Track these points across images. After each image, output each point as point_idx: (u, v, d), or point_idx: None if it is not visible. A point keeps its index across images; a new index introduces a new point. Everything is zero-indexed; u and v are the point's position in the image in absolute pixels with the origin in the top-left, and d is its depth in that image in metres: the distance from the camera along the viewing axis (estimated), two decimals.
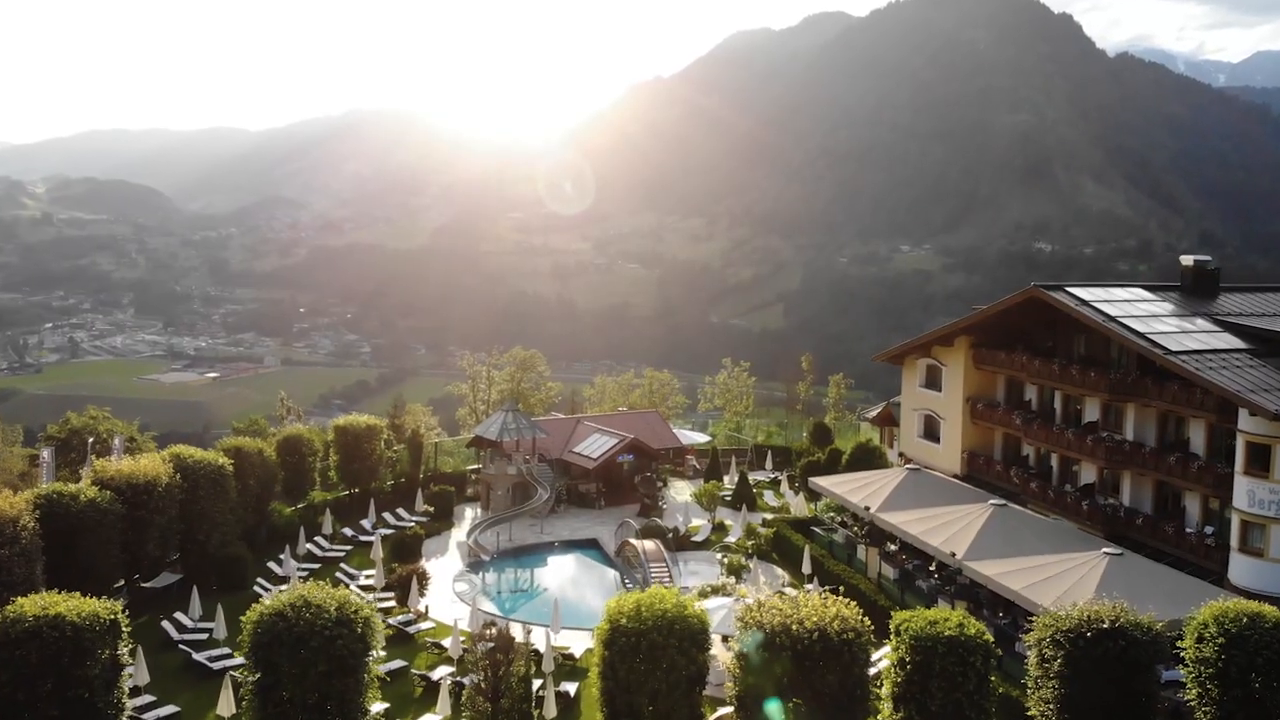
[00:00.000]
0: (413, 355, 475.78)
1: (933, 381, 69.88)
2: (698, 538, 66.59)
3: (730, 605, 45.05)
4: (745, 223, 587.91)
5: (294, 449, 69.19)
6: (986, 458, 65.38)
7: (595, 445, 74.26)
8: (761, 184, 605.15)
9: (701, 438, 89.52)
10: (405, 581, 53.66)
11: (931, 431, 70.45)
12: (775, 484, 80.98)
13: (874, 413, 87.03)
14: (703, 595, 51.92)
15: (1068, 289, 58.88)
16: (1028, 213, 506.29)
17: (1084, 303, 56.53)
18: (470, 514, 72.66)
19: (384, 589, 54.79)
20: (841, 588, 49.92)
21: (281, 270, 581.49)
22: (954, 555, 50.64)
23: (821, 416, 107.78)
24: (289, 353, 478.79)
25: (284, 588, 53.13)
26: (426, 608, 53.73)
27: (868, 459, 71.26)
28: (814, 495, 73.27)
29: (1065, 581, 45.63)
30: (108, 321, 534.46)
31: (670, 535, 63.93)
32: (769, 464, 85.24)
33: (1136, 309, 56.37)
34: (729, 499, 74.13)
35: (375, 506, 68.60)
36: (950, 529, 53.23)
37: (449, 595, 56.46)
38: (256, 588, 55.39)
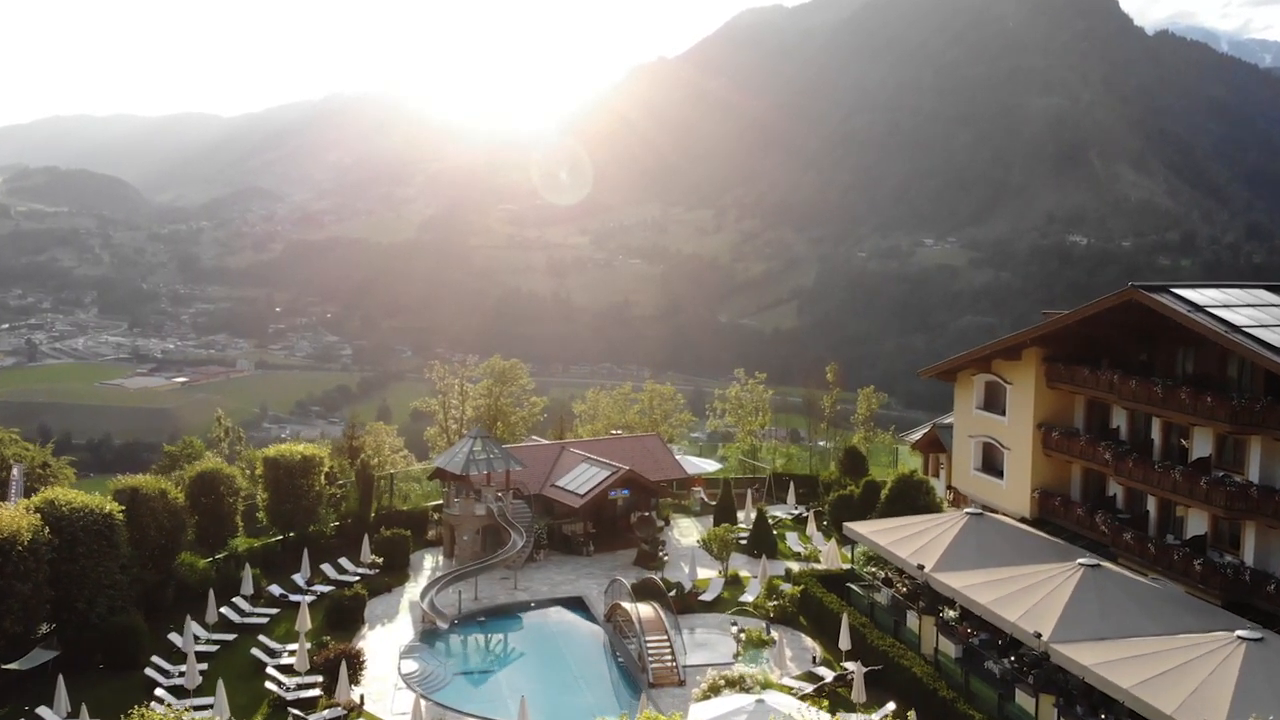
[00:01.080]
0: (397, 358, 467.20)
1: (994, 402, 60.88)
2: (707, 595, 57.47)
3: (750, 711, 35.93)
4: (756, 214, 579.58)
5: (209, 488, 60.02)
6: (1063, 498, 56.33)
7: (583, 478, 65.31)
8: (773, 173, 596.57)
9: (711, 465, 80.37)
10: (334, 665, 44.63)
11: (993, 464, 61.43)
12: (800, 522, 71.95)
13: (917, 436, 77.96)
14: (713, 690, 42.93)
15: (1174, 290, 49.59)
16: (1061, 203, 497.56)
17: (1198, 308, 47.34)
18: (431, 562, 63.68)
19: (308, 672, 45.79)
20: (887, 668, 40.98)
21: (256, 267, 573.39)
22: (1039, 636, 41.60)
23: (849, 436, 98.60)
24: (264, 355, 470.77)
25: (184, 668, 44.54)
26: (362, 698, 44.73)
27: (912, 495, 62.12)
28: (848, 537, 64.67)
29: (1191, 676, 36.61)
30: (69, 322, 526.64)
31: (673, 594, 54.86)
32: (791, 497, 76.03)
33: (1266, 316, 47.18)
34: (744, 542, 65.13)
35: (310, 558, 59.47)
36: (1029, 597, 44.19)
37: (394, 678, 47.44)
38: (150, 670, 46.44)
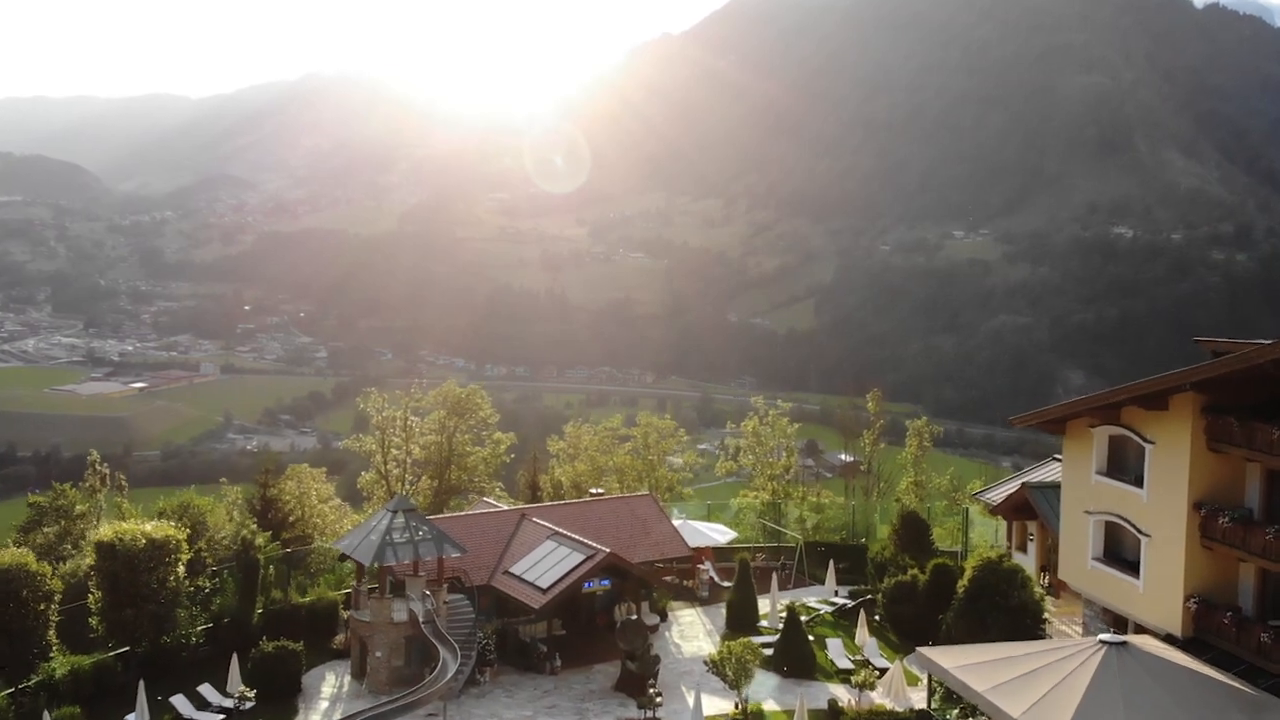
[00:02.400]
0: (377, 361, 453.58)
1: (1125, 466, 46.08)
2: None
3: None
4: (769, 204, 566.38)
5: (7, 591, 44.96)
6: (1232, 611, 41.42)
7: (548, 564, 50.51)
8: (788, 159, 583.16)
9: (722, 535, 65.36)
10: None
11: (1121, 552, 46.66)
12: (843, 617, 56.99)
13: (996, 496, 63.01)
14: None
15: None
16: (1103, 192, 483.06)
17: None
18: (333, 685, 48.87)
19: None
20: None
21: (224, 261, 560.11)
22: None
23: (897, 482, 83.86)
24: (231, 358, 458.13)
25: None
26: None
27: (1001, 590, 47.27)
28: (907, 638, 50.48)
29: None
30: (19, 321, 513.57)
31: None
32: (830, 576, 60.88)
33: None
34: (769, 651, 50.27)
35: (156, 684, 44.56)
36: None
37: None
38: None
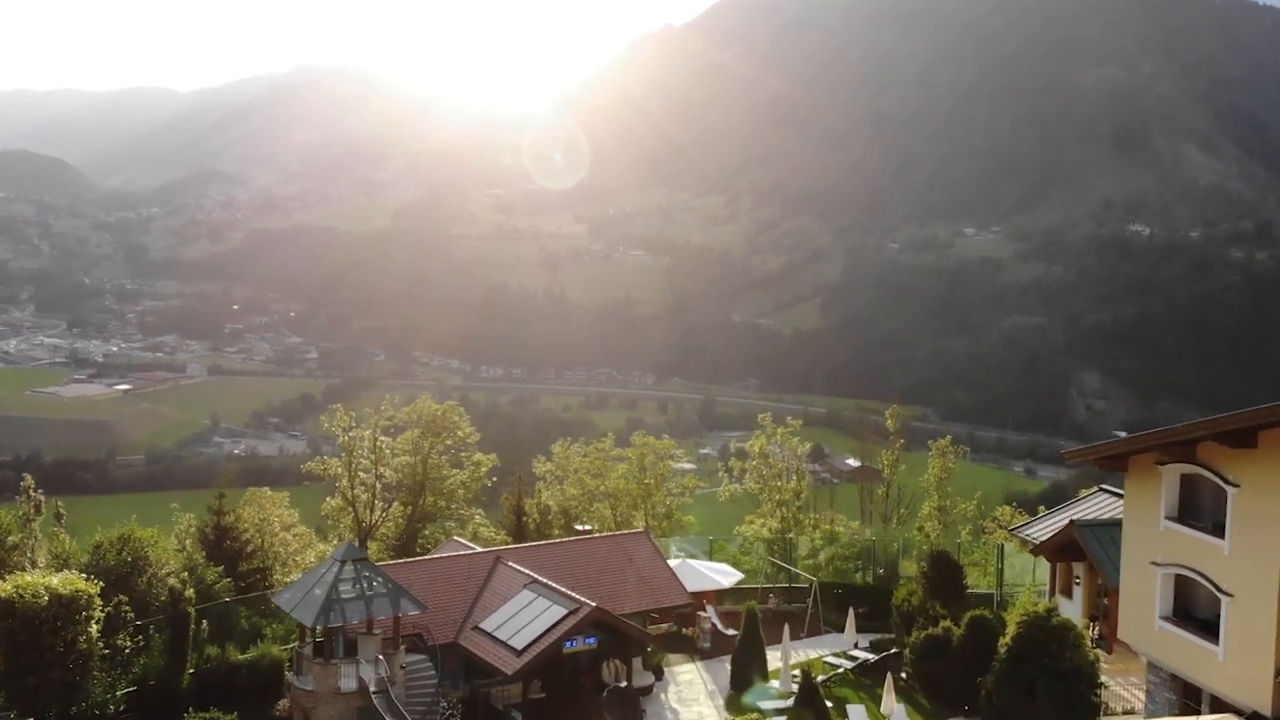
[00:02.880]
0: (369, 362, 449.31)
1: (1201, 512, 39.96)
2: None
3: None
4: (774, 201, 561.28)
5: None
6: None
7: (524, 619, 44.49)
8: (794, 154, 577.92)
9: (727, 576, 59.24)
10: None
11: (1195, 610, 40.55)
12: (866, 674, 50.92)
13: (1038, 533, 56.73)
14: None
15: None
16: (1119, 188, 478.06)
17: None
18: None
19: None
20: None
21: (212, 259, 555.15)
22: None
23: (919, 508, 77.64)
24: (218, 359, 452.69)
25: None
26: None
27: (1052, 650, 41.25)
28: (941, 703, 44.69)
29: None
30: (1, 322, 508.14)
31: None
32: (849, 625, 54.74)
33: None
34: None
35: None
36: None
37: None
38: None
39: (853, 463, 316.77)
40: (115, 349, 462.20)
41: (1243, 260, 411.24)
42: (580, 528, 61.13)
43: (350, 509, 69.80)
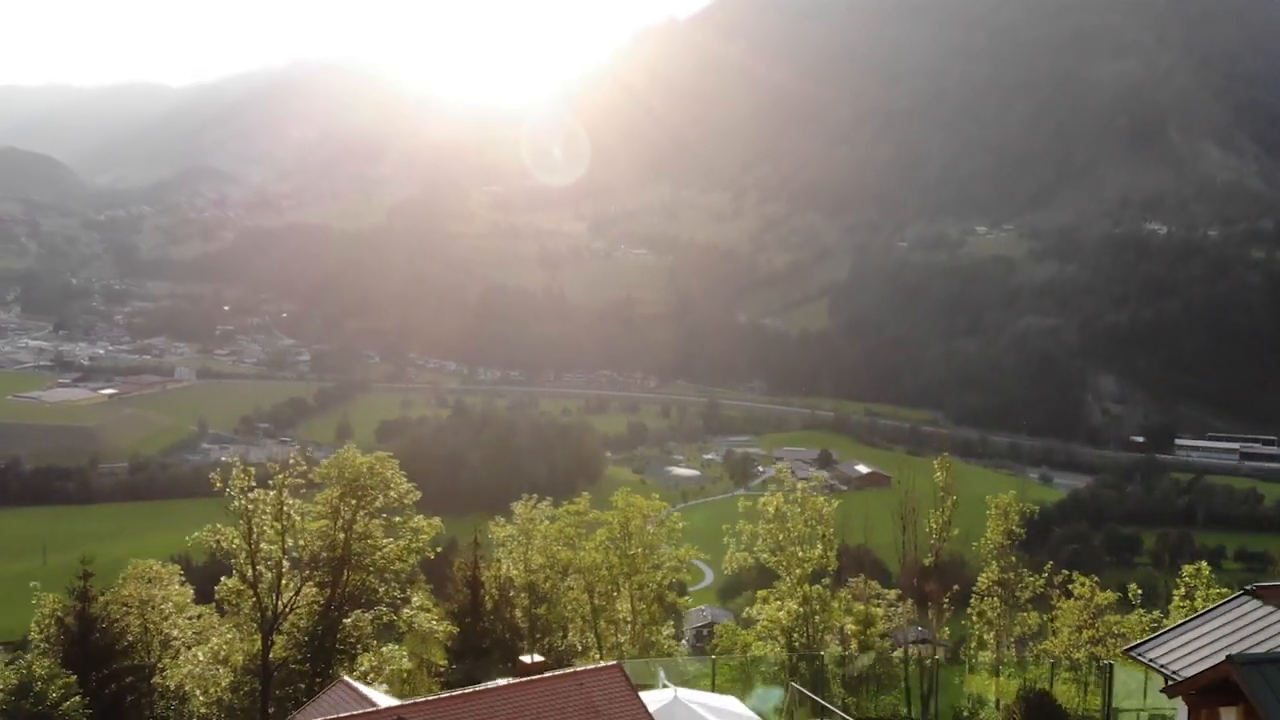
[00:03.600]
0: (364, 365, 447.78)
1: None
2: None
3: None
4: (780, 197, 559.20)
5: None
6: None
7: None
8: (800, 149, 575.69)
9: (737, 716, 39.67)
10: None
11: None
12: None
13: (1172, 660, 41.01)
14: None
15: None
16: (1135, 185, 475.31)
17: None
18: None
19: None
20: None
21: (204, 259, 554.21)
22: None
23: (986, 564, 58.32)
24: (208, 362, 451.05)
25: None
26: None
27: None
28: None
29: None
30: None
31: None
32: None
33: None
34: None
35: None
36: None
37: None
38: None
39: (862, 469, 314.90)
40: (102, 351, 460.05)
41: (1263, 260, 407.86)
42: (529, 659, 37.70)
43: (251, 591, 49.93)
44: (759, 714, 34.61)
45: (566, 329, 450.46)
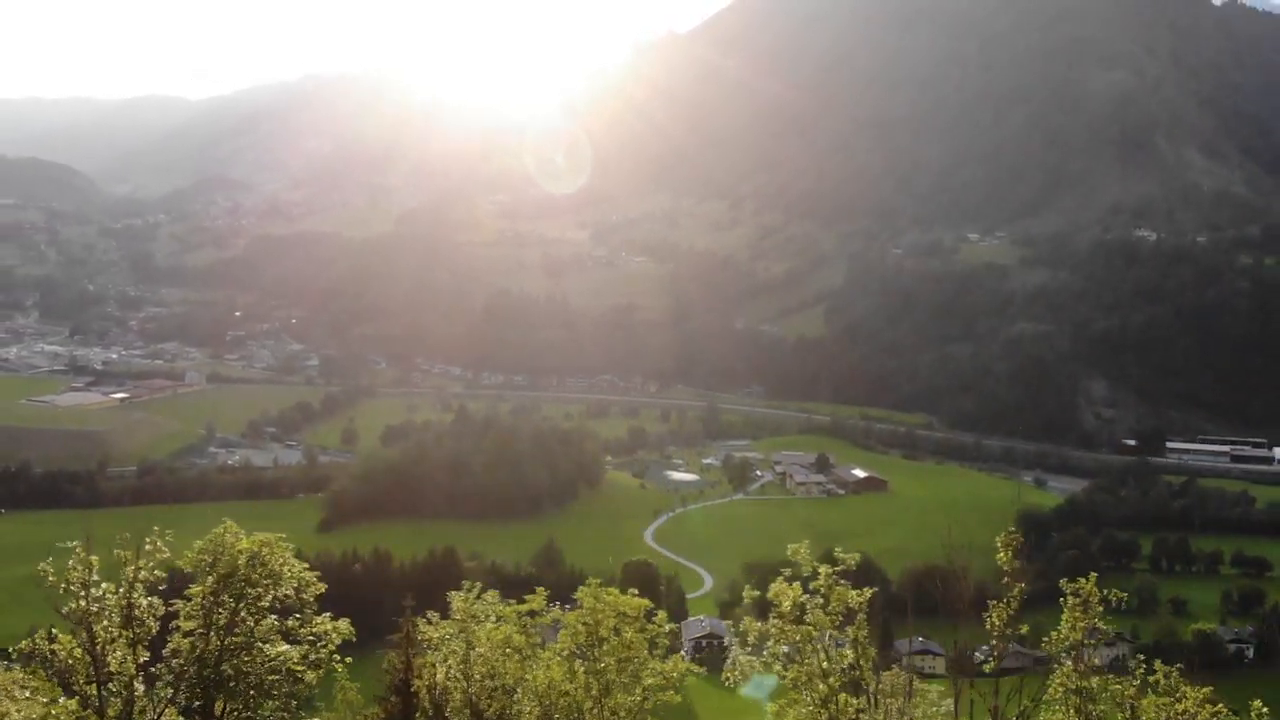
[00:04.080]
0: (370, 370, 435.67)
1: None
2: None
3: None
4: (777, 206, 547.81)
5: None
6: None
7: None
8: (797, 159, 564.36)
9: None
10: None
11: None
12: None
13: None
14: None
15: None
16: (1125, 193, 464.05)
17: None
18: None
19: None
20: None
21: (217, 266, 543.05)
22: None
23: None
24: (218, 367, 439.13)
25: None
26: None
27: None
28: None
29: None
30: (4, 329, 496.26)
31: None
32: None
33: None
34: None
35: None
36: None
37: None
38: None
39: (859, 473, 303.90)
40: (115, 356, 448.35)
41: (1251, 266, 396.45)
42: None
43: None
44: None
45: (569, 335, 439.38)
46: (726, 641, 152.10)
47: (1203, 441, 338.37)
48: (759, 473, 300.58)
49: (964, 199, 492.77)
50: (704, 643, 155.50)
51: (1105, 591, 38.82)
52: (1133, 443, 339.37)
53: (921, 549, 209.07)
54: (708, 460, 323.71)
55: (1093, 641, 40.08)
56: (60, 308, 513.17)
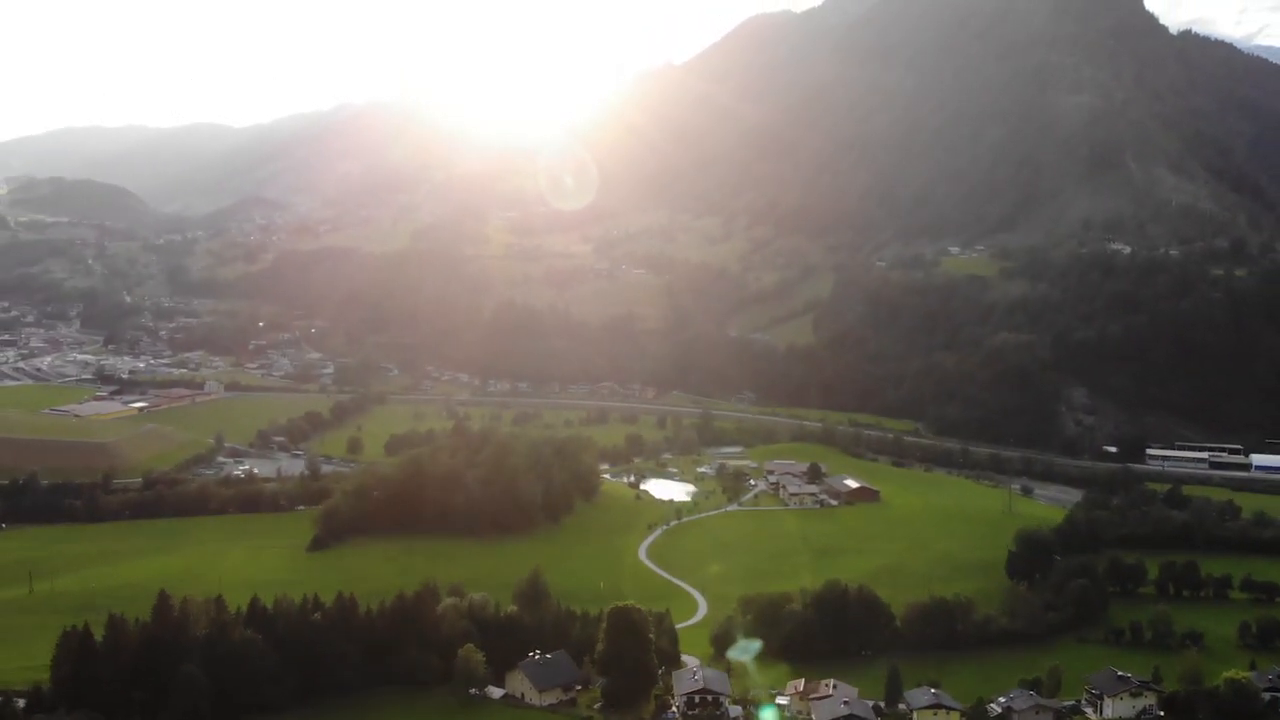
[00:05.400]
0: (383, 377, 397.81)
1: None
2: None
3: None
4: (767, 221, 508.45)
5: None
6: None
7: None
8: (784, 178, 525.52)
9: None
10: None
11: None
12: None
13: None
14: None
15: None
16: (1096, 208, 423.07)
17: None
18: None
19: None
20: None
21: (246, 278, 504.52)
22: None
23: None
24: (239, 376, 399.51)
25: None
26: None
27: None
28: None
29: None
30: (44, 338, 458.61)
31: None
32: None
33: None
34: None
35: None
36: None
37: None
38: None
39: (850, 483, 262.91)
40: (143, 365, 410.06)
41: (1223, 277, 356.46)
42: None
43: None
44: None
45: (571, 343, 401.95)
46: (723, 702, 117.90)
47: (1181, 448, 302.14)
48: (753, 482, 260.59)
49: (942, 215, 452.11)
50: (697, 699, 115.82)
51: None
52: (1113, 449, 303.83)
53: (918, 567, 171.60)
54: (703, 469, 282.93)
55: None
56: (100, 318, 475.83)
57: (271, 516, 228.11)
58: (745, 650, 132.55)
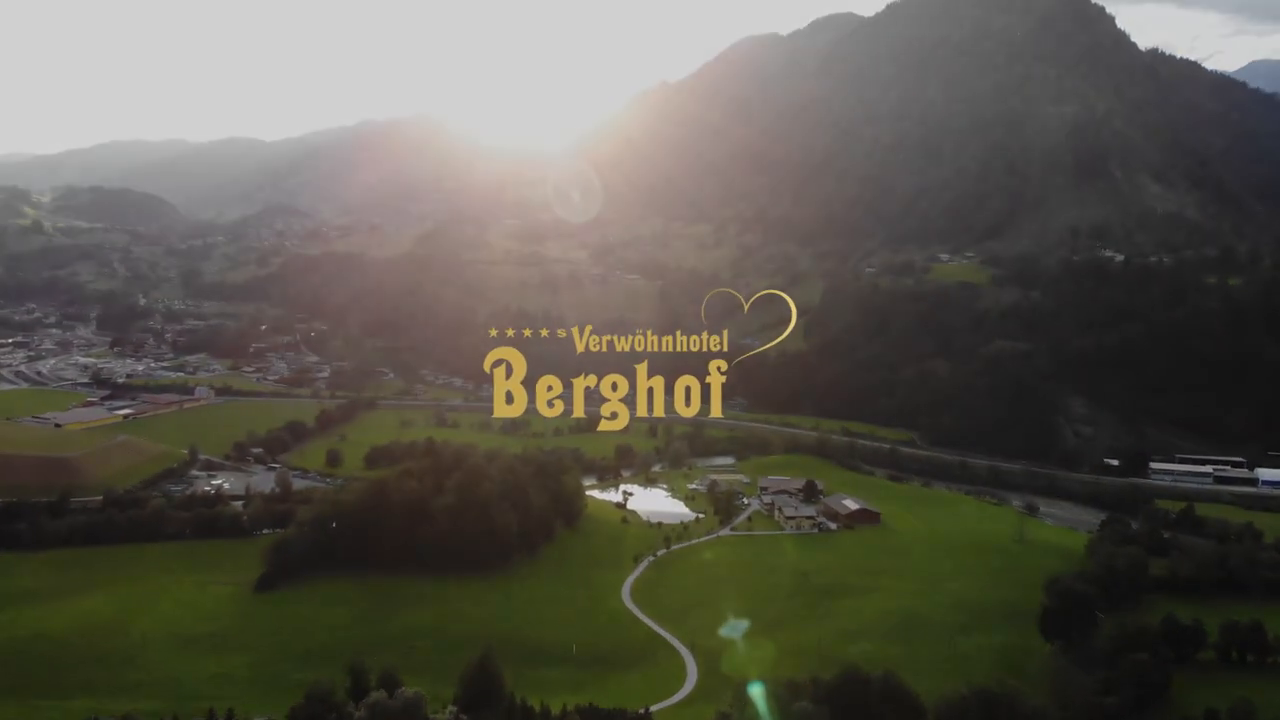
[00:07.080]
0: (378, 381, 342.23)
1: None
2: None
3: None
4: (756, 229, 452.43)
5: None
6: None
7: None
8: (774, 187, 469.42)
9: None
10: None
11: None
12: None
13: None
14: None
15: None
16: (1083, 215, 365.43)
17: None
18: None
19: None
20: None
21: (255, 282, 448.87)
22: None
23: None
24: (233, 380, 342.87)
25: None
26: None
27: None
28: None
29: None
30: (56, 340, 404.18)
31: None
32: None
33: None
34: None
35: None
36: None
37: None
38: None
39: (850, 504, 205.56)
40: (141, 368, 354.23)
41: (1218, 285, 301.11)
42: None
43: None
44: None
45: (566, 348, 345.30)
46: None
47: (1183, 461, 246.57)
48: (746, 501, 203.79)
49: (929, 222, 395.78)
50: None
51: None
52: (1115, 462, 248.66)
53: (933, 614, 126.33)
54: (693, 485, 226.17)
55: None
56: (114, 320, 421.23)
57: (229, 544, 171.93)
58: None
